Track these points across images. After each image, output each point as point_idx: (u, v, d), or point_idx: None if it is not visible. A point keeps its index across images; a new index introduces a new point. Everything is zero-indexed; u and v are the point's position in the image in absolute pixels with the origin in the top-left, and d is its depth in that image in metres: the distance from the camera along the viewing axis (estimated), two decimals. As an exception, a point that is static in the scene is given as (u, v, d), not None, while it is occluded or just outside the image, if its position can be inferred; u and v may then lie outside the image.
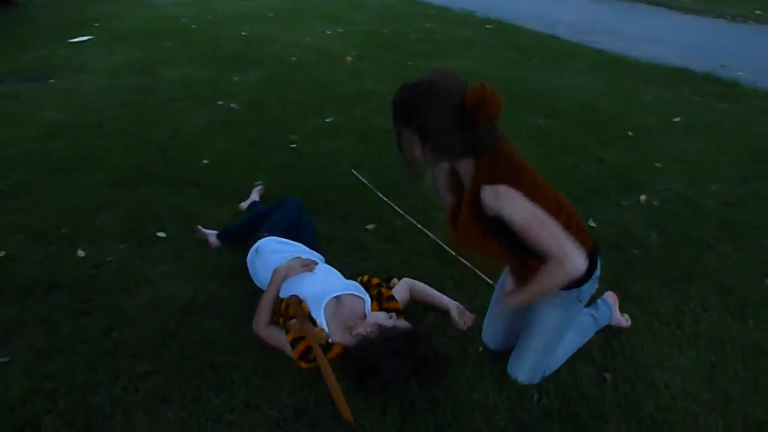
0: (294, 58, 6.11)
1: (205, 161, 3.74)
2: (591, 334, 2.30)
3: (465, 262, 2.76)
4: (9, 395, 1.98)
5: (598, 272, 1.97)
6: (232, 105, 4.75)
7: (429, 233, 3.00)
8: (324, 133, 4.27)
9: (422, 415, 1.97)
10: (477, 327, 2.33)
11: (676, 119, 4.78)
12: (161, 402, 1.98)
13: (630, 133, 4.44)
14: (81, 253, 2.77)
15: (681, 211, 3.37)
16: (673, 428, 1.98)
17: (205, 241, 2.86)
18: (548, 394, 2.08)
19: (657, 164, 3.92)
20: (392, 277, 2.60)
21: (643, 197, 3.47)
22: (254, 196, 3.27)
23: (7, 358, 2.14)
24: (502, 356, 2.19)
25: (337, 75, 5.66)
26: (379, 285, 2.40)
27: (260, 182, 3.43)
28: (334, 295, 2.27)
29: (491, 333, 2.24)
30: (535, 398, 2.06)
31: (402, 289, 2.47)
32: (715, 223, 3.26)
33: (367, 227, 3.07)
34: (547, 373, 2.13)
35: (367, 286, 2.40)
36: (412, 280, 2.54)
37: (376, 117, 4.54)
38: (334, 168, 3.74)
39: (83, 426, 1.88)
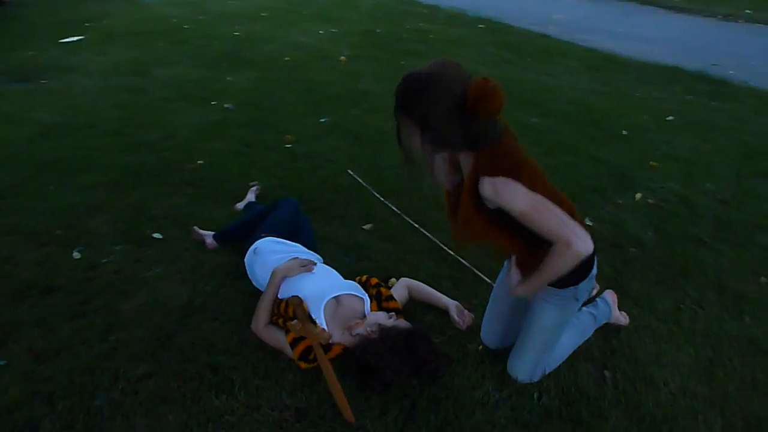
0: (287, 58, 6.10)
1: (200, 162, 3.72)
2: (590, 332, 2.31)
3: (463, 261, 2.76)
4: (6, 399, 1.96)
5: (594, 271, 1.97)
6: (226, 105, 4.72)
7: (426, 233, 3.00)
8: (319, 133, 4.26)
9: (423, 415, 1.96)
10: (476, 326, 2.33)
11: (670, 118, 4.81)
12: (161, 404, 1.96)
13: (624, 132, 4.46)
14: (76, 254, 2.74)
15: (676, 209, 3.39)
16: (672, 425, 1.99)
17: (201, 242, 2.84)
18: (548, 393, 2.08)
19: (652, 163, 3.95)
20: (391, 277, 2.61)
21: (638, 196, 3.49)
22: (250, 196, 3.26)
23: (3, 362, 2.11)
24: (501, 355, 2.19)
25: (331, 75, 5.65)
26: (378, 285, 2.40)
27: (256, 182, 3.41)
28: (334, 296, 2.26)
29: (490, 331, 2.24)
30: (536, 397, 2.07)
31: (401, 288, 2.47)
32: (710, 221, 3.28)
33: (364, 227, 3.06)
34: (547, 372, 2.14)
35: (365, 286, 2.39)
36: (411, 279, 2.54)
37: (371, 117, 4.54)
38: (329, 168, 3.73)
39: (82, 429, 1.86)
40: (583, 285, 1.95)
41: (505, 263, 2.16)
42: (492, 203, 1.68)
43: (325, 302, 2.22)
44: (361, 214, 3.18)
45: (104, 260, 2.71)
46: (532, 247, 1.78)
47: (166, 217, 3.07)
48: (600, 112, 4.87)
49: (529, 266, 1.86)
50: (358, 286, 2.37)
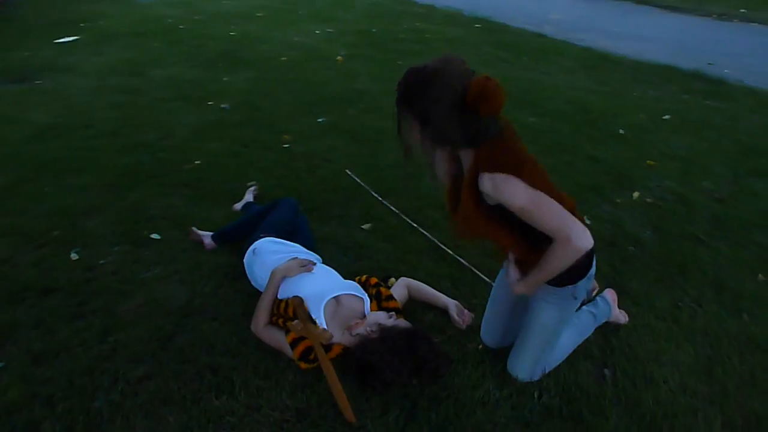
0: (284, 58, 6.08)
1: (197, 162, 3.71)
2: (590, 331, 2.31)
3: (462, 260, 2.76)
4: (5, 401, 1.94)
5: (593, 270, 1.97)
6: (222, 105, 4.71)
7: (425, 232, 3.00)
8: (316, 133, 4.26)
9: (424, 414, 1.96)
10: (476, 325, 2.33)
11: (666, 117, 4.83)
12: (161, 405, 1.95)
13: (621, 131, 4.47)
14: (74, 255, 2.73)
15: (674, 207, 3.40)
16: (673, 422, 2.00)
17: (200, 242, 2.83)
18: (549, 391, 2.09)
19: (649, 162, 3.96)
20: (390, 277, 2.60)
21: (636, 194, 3.50)
22: (248, 196, 3.25)
23: (1, 364, 2.10)
24: (501, 354, 2.19)
25: (327, 74, 5.64)
26: (377, 285, 2.40)
27: (254, 183, 3.40)
28: (334, 296, 2.26)
29: (490, 331, 2.24)
30: (536, 395, 2.07)
31: (400, 288, 2.47)
32: (707, 219, 3.29)
33: (363, 227, 3.06)
34: (547, 371, 2.14)
35: (365, 286, 2.39)
36: (410, 279, 2.54)
37: (368, 116, 4.54)
38: (327, 168, 3.72)
39: (83, 431, 1.85)
40: (582, 284, 1.95)
41: (505, 263, 2.15)
42: (492, 199, 1.68)
43: (324, 302, 2.22)
44: (360, 214, 3.17)
45: (102, 261, 2.70)
46: (532, 244, 1.78)
47: (164, 218, 3.06)
48: (597, 111, 4.88)
49: (528, 264, 1.86)
50: (358, 286, 2.37)
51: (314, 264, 2.41)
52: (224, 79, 5.38)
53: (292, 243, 2.59)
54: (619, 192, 3.54)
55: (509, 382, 2.10)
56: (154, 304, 2.43)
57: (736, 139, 4.42)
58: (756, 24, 8.98)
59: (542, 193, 1.67)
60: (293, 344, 2.11)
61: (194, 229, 2.87)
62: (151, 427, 1.88)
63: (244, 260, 2.54)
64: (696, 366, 2.25)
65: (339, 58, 6.17)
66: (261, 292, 2.34)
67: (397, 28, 7.62)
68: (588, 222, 3.10)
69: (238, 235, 2.74)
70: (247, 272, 2.53)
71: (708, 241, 3.07)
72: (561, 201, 1.74)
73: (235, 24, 7.48)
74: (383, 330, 2.10)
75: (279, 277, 2.30)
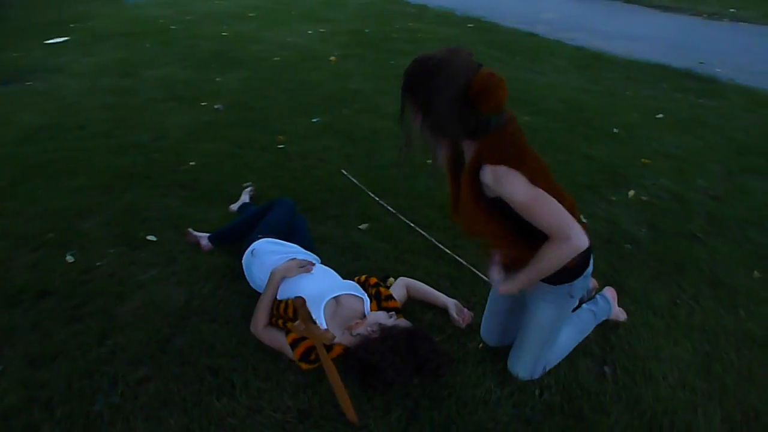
0: (277, 58, 6.07)
1: (192, 163, 3.69)
2: (590, 329, 2.32)
3: (460, 259, 2.77)
4: (3, 405, 1.93)
5: (590, 268, 1.97)
6: (216, 106, 4.69)
7: (422, 231, 3.00)
8: (311, 133, 4.24)
9: (426, 413, 1.96)
10: (476, 324, 2.33)
11: (659, 115, 4.85)
12: (162, 407, 1.94)
13: (615, 130, 4.49)
14: (70, 258, 2.71)
15: (669, 205, 3.42)
16: (673, 419, 2.00)
17: (196, 244, 2.82)
18: (550, 389, 2.09)
19: (644, 160, 3.98)
20: (389, 276, 2.60)
21: (631, 193, 3.52)
22: (244, 197, 3.23)
23: (-1, 367, 2.09)
24: (502, 353, 2.19)
25: (321, 75, 5.63)
26: (377, 284, 2.39)
27: (249, 183, 3.39)
28: (333, 296, 2.25)
29: (489, 330, 2.24)
30: (537, 393, 2.07)
31: (399, 287, 2.46)
32: (702, 217, 3.31)
33: (360, 227, 3.05)
34: (548, 369, 2.14)
35: (364, 286, 2.39)
36: (409, 278, 2.53)
37: (363, 116, 4.53)
38: (323, 168, 3.72)
39: (82, 434, 1.84)
40: (578, 282, 1.95)
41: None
42: (492, 191, 1.68)
43: (324, 303, 2.21)
44: (357, 214, 3.17)
45: (98, 263, 2.68)
46: (529, 242, 1.77)
47: (160, 219, 3.05)
48: (591, 111, 4.90)
49: (522, 262, 1.85)
50: (358, 286, 2.36)
51: (313, 264, 2.40)
52: (217, 79, 5.36)
53: (290, 243, 2.58)
54: (614, 190, 3.55)
55: (510, 381, 2.11)
56: (152, 306, 2.42)
57: (730, 137, 4.46)
58: (745, 23, 9.06)
59: (542, 191, 1.67)
60: (293, 345, 2.10)
61: (191, 230, 2.86)
62: (151, 429, 1.87)
63: (243, 261, 2.53)
64: (694, 362, 2.26)
65: (332, 58, 6.16)
66: (260, 293, 2.33)
67: (390, 28, 7.62)
68: (584, 220, 3.11)
69: (236, 236, 2.73)
70: (245, 273, 2.52)
71: (704, 239, 3.09)
72: (561, 198, 1.74)
73: (228, 24, 7.46)
74: (384, 330, 2.10)
75: (278, 277, 2.29)
